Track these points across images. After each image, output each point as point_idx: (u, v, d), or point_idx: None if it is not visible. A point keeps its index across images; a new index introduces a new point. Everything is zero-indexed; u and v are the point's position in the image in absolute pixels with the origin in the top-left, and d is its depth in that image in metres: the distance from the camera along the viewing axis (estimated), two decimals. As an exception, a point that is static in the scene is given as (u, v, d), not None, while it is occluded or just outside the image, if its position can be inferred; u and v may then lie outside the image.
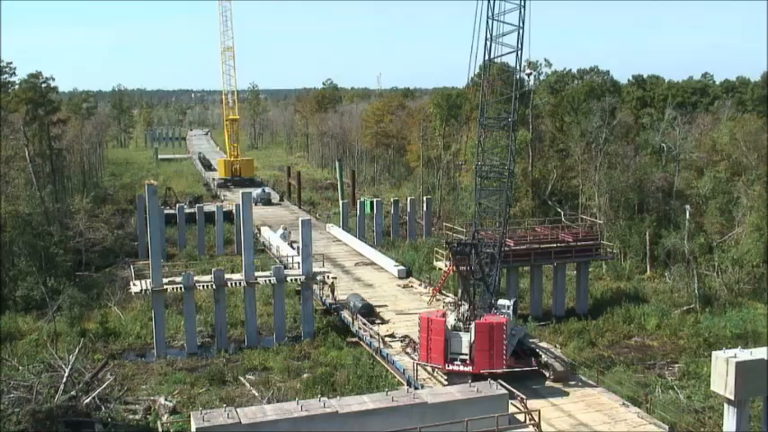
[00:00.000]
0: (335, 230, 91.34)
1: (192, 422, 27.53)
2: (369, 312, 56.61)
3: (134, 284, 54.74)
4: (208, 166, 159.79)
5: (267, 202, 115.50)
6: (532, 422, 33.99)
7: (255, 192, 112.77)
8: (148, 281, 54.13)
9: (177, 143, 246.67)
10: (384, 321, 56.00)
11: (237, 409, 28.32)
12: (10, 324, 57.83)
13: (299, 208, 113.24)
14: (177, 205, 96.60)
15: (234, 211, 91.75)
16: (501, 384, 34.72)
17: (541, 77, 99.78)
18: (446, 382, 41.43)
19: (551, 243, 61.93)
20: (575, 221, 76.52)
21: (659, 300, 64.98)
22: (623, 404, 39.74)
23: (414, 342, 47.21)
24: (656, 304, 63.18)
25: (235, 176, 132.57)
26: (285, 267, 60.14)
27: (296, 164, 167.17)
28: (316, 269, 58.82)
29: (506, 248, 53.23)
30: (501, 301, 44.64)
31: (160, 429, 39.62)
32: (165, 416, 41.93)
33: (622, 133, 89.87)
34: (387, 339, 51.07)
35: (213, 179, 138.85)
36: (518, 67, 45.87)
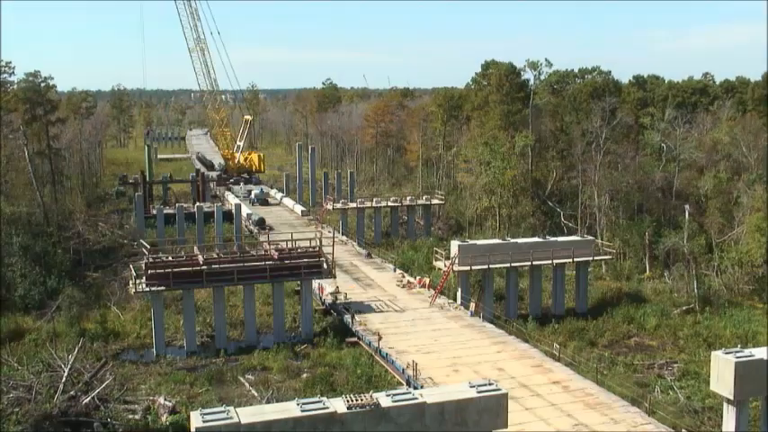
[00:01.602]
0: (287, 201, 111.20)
1: (192, 422, 27.44)
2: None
3: (133, 284, 54.66)
4: (211, 167, 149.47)
5: (264, 202, 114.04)
6: None
7: (253, 192, 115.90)
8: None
9: (177, 143, 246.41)
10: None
11: (237, 409, 28.22)
12: (10, 324, 57.70)
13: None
14: (176, 205, 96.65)
15: (233, 211, 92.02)
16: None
17: (542, 77, 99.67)
18: None
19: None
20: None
21: (659, 300, 64.99)
22: (623, 404, 39.70)
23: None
24: (655, 304, 63.19)
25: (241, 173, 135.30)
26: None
27: (295, 164, 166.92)
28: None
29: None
30: None
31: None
32: (165, 415, 41.89)
33: (623, 133, 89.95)
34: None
35: (212, 178, 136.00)
36: None
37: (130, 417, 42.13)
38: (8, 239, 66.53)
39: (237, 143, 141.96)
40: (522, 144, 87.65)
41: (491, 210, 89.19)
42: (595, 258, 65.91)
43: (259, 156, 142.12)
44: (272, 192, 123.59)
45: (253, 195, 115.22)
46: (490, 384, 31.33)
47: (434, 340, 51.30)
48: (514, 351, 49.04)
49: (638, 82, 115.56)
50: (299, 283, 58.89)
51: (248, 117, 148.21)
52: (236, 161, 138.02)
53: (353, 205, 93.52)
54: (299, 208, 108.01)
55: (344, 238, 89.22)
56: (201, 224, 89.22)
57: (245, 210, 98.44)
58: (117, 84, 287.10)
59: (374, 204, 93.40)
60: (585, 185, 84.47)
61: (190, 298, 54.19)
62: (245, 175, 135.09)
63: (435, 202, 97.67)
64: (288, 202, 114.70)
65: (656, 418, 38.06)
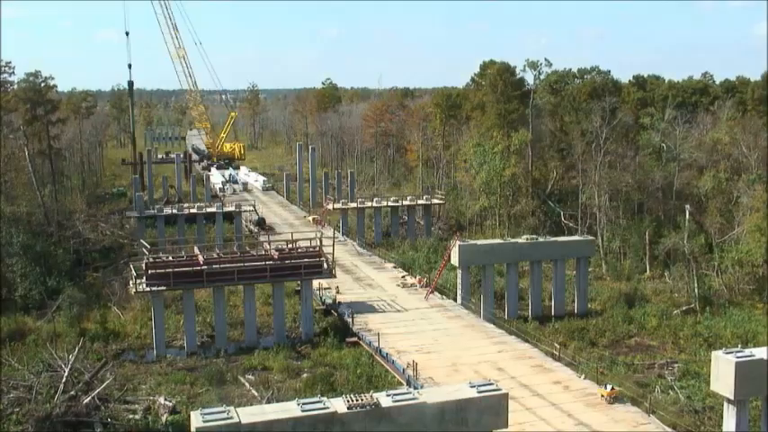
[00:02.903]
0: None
1: (192, 422, 27.46)
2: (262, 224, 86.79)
3: (133, 284, 54.63)
4: (208, 157, 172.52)
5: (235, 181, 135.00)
6: None
7: (228, 173, 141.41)
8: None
9: (177, 143, 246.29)
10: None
11: (237, 409, 28.26)
12: (10, 324, 57.71)
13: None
14: (177, 205, 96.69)
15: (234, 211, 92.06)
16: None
17: (542, 77, 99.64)
18: None
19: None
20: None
21: (659, 300, 64.97)
22: (623, 404, 39.69)
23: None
24: (655, 304, 63.16)
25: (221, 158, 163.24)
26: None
27: (294, 163, 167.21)
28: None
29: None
30: None
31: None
32: (165, 415, 41.88)
33: (622, 133, 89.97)
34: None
35: (197, 160, 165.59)
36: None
37: (130, 417, 42.14)
38: (8, 239, 66.44)
39: (222, 135, 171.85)
40: (519, 142, 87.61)
41: (491, 209, 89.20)
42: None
43: (241, 146, 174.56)
44: (243, 170, 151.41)
45: (227, 176, 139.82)
46: (490, 384, 31.38)
47: (435, 340, 51.31)
48: (515, 351, 49.05)
49: (638, 82, 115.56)
50: (299, 282, 58.88)
51: (233, 113, 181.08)
52: (218, 149, 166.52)
53: (354, 205, 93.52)
54: (261, 179, 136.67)
55: (344, 237, 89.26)
56: (202, 224, 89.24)
57: (218, 177, 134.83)
58: (116, 83, 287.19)
59: (374, 204, 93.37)
60: (585, 185, 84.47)
61: (190, 298, 54.17)
62: (227, 161, 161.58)
63: (435, 201, 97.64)
64: (252, 176, 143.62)
65: (657, 418, 38.07)
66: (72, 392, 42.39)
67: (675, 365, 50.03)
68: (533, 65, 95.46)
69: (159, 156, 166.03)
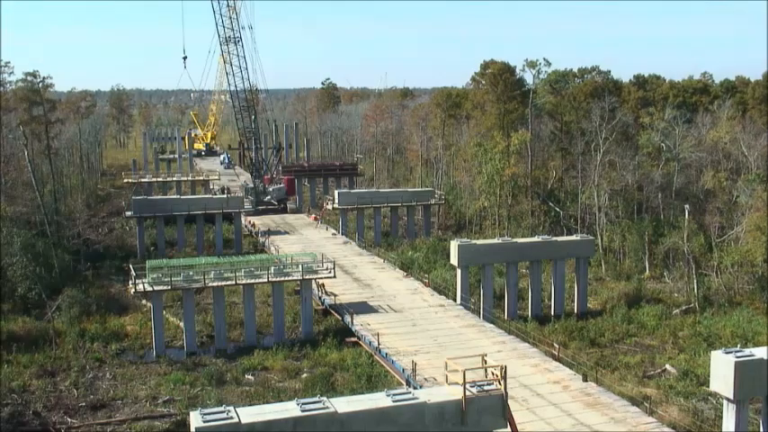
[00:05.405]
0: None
1: (192, 422, 27.46)
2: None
3: (133, 284, 54.60)
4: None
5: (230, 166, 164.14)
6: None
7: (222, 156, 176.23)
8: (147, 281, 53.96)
9: (176, 142, 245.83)
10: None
11: (237, 409, 28.25)
12: (10, 324, 57.66)
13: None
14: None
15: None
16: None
17: (541, 77, 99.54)
18: None
19: None
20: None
21: (659, 299, 64.95)
22: (623, 404, 39.69)
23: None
24: (655, 304, 63.15)
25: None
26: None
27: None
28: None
29: None
30: None
31: None
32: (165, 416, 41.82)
33: (622, 132, 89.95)
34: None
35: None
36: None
37: (130, 417, 42.11)
38: (8, 239, 66.38)
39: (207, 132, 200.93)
40: (518, 141, 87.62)
41: (490, 209, 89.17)
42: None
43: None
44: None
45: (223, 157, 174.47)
46: (490, 384, 31.37)
47: (434, 340, 51.30)
48: (515, 351, 49.03)
49: (639, 81, 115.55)
50: (298, 283, 58.91)
51: (193, 112, 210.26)
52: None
53: (353, 205, 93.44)
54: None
55: (344, 238, 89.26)
56: (201, 224, 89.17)
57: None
58: (116, 83, 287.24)
59: (374, 204, 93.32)
60: (585, 185, 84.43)
61: (190, 298, 54.19)
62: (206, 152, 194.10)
63: (435, 201, 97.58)
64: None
65: (656, 418, 38.07)
66: (66, 394, 42.38)
67: (675, 365, 50.01)
68: (532, 64, 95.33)
69: (161, 153, 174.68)
